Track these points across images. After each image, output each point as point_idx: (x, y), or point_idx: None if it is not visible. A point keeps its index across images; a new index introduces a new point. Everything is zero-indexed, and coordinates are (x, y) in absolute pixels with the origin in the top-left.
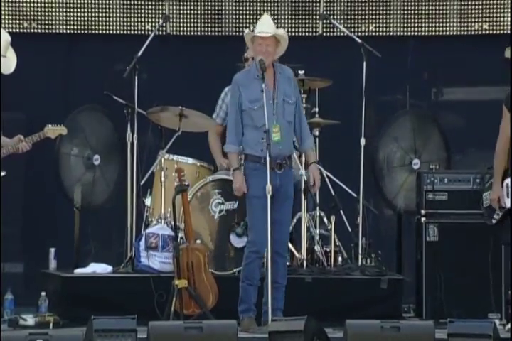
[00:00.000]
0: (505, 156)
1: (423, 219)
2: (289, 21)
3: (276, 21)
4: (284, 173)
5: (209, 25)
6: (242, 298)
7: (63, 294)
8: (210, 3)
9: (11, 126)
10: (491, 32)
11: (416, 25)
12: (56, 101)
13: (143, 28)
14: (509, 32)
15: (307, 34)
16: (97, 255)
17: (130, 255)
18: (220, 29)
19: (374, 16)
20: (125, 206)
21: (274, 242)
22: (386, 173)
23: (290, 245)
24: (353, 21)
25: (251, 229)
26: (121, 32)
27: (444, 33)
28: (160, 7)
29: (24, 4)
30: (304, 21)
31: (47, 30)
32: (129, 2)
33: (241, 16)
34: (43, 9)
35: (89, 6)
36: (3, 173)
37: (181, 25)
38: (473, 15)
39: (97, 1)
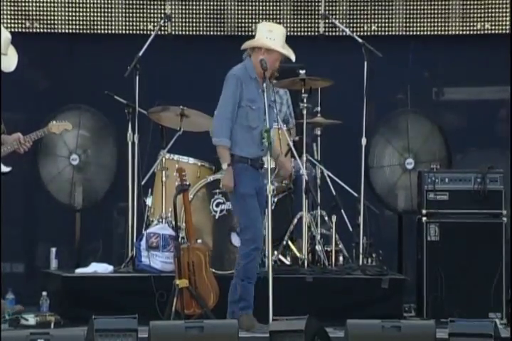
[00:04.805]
0: None
1: (424, 218)
2: (291, 21)
3: (277, 21)
4: (263, 173)
5: (211, 24)
6: (242, 296)
7: (64, 294)
8: (211, 3)
9: (11, 126)
10: (493, 32)
11: (418, 24)
12: (57, 100)
13: (145, 27)
14: (510, 32)
15: (308, 34)
16: (98, 255)
17: (131, 255)
18: (221, 29)
19: (376, 16)
20: (126, 206)
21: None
22: (376, 172)
23: (291, 244)
24: (354, 21)
25: (248, 227)
26: (123, 32)
27: (446, 32)
28: (162, 7)
29: (26, 4)
30: (305, 21)
31: (49, 30)
32: (130, 2)
33: (243, 16)
34: (45, 9)
35: (91, 5)
36: (7, 169)
37: (183, 24)
38: (475, 15)
39: (98, 1)
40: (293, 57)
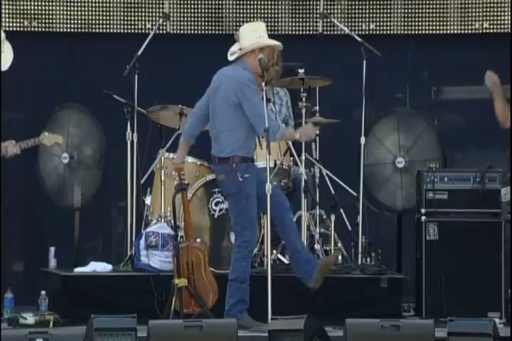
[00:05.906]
0: None
1: (423, 218)
2: (289, 20)
3: (276, 20)
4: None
5: (209, 23)
6: (243, 298)
7: (63, 293)
8: (210, 2)
9: (10, 126)
10: (491, 31)
11: (416, 23)
12: (56, 100)
13: (143, 26)
14: (510, 31)
15: (307, 33)
16: (97, 254)
17: (130, 254)
18: (220, 28)
19: (374, 15)
20: (125, 205)
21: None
22: (368, 170)
23: None
24: (353, 20)
25: (247, 228)
26: (122, 31)
27: (445, 31)
28: (160, 6)
29: (25, 3)
30: (304, 20)
31: (47, 29)
32: (129, 1)
33: (241, 15)
34: (43, 8)
35: (90, 4)
36: None
37: (181, 23)
38: (473, 14)
39: (97, 0)
40: (281, 46)
